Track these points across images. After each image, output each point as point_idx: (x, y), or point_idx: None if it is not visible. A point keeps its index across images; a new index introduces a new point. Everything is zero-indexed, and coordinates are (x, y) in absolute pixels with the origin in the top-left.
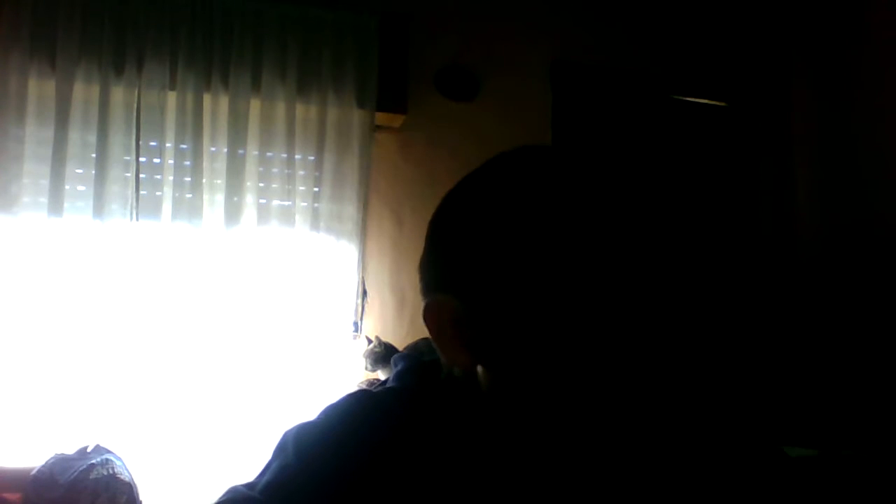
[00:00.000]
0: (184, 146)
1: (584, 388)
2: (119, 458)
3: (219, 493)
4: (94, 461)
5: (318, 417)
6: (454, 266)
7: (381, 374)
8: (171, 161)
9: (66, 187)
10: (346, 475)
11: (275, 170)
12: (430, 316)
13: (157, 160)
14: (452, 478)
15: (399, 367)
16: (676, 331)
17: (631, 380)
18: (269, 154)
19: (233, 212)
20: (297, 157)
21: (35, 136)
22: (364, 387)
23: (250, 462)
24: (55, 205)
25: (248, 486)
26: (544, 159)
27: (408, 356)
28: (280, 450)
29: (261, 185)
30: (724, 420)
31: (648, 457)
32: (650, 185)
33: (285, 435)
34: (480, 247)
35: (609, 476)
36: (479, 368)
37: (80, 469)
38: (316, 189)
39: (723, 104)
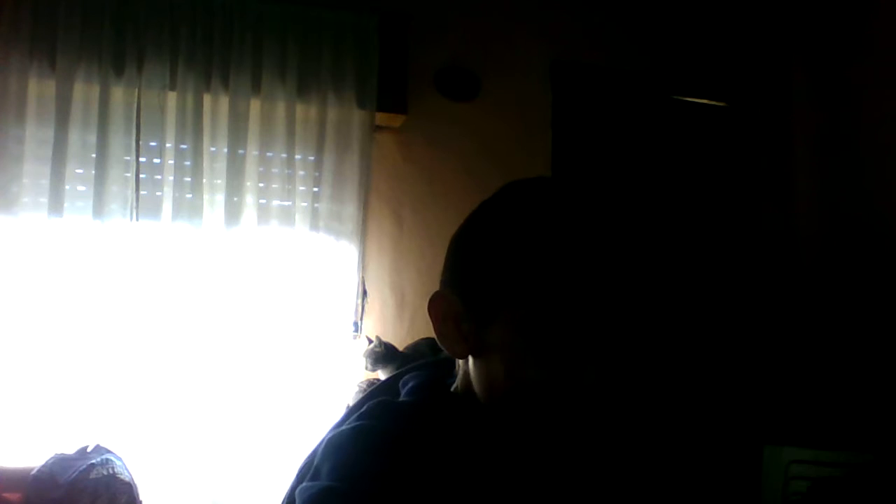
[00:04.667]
0: (184, 146)
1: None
2: (119, 458)
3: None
4: (94, 461)
5: (353, 433)
6: (461, 271)
7: (382, 374)
8: (171, 161)
9: (66, 187)
10: (373, 487)
11: (275, 170)
12: (433, 307)
13: (157, 160)
14: (463, 484)
15: (412, 384)
16: (644, 334)
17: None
18: (269, 154)
19: (233, 212)
20: (297, 157)
21: (35, 136)
22: (364, 386)
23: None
24: (55, 205)
25: None
26: (534, 192)
27: (418, 374)
28: (312, 468)
29: (261, 185)
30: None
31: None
32: (627, 212)
33: (322, 449)
34: (481, 261)
35: (583, 472)
36: (471, 361)
37: (80, 469)
38: (316, 189)
39: (723, 104)
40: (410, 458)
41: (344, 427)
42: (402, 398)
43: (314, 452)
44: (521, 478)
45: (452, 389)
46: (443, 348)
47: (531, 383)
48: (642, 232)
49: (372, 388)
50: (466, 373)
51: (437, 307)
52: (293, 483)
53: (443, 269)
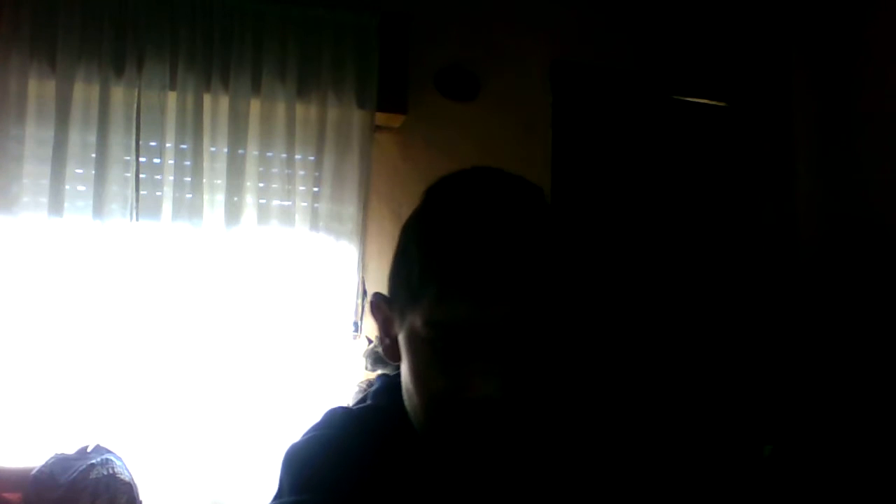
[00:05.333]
0: (184, 146)
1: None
2: (119, 458)
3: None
4: (94, 461)
5: (308, 444)
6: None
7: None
8: (171, 161)
9: (66, 187)
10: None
11: (275, 170)
12: (371, 312)
13: (157, 160)
14: (434, 487)
15: (375, 387)
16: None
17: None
18: (269, 154)
19: (233, 212)
20: (297, 157)
21: (35, 136)
22: (364, 386)
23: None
24: (55, 205)
25: None
26: (441, 192)
27: (384, 375)
28: (278, 484)
29: (261, 185)
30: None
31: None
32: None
33: (282, 465)
34: (392, 263)
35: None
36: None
37: (80, 469)
38: (316, 189)
39: (723, 104)
40: (362, 465)
41: (300, 439)
42: (367, 401)
43: None
44: (459, 487)
45: None
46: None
47: (436, 395)
48: (543, 236)
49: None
50: None
51: (372, 312)
52: None
53: None
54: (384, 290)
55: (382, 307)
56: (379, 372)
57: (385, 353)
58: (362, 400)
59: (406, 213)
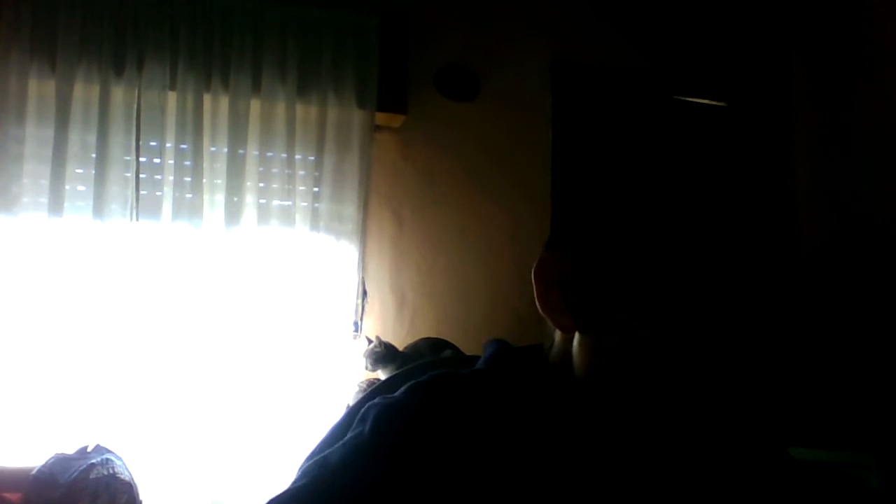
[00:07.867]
0: (184, 146)
1: (663, 364)
2: (119, 458)
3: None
4: (94, 461)
5: (402, 395)
6: (573, 228)
7: (382, 374)
8: (171, 161)
9: (66, 187)
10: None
11: (275, 170)
12: (540, 271)
13: (157, 160)
14: (546, 453)
15: (489, 352)
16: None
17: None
18: (269, 154)
19: (233, 212)
20: (297, 157)
21: (35, 136)
22: (364, 386)
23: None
24: (55, 205)
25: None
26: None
27: (497, 340)
28: (359, 421)
29: (261, 185)
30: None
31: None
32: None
33: (367, 407)
34: (601, 219)
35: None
36: (576, 339)
37: (80, 469)
38: (316, 189)
39: (723, 104)
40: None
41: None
42: (483, 367)
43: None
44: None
45: (549, 360)
46: (545, 318)
47: (673, 379)
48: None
49: (372, 388)
50: (566, 347)
51: (545, 272)
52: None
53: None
54: (382, 288)
55: (565, 267)
56: (379, 372)
57: (554, 317)
58: (369, 395)
59: (406, 213)
